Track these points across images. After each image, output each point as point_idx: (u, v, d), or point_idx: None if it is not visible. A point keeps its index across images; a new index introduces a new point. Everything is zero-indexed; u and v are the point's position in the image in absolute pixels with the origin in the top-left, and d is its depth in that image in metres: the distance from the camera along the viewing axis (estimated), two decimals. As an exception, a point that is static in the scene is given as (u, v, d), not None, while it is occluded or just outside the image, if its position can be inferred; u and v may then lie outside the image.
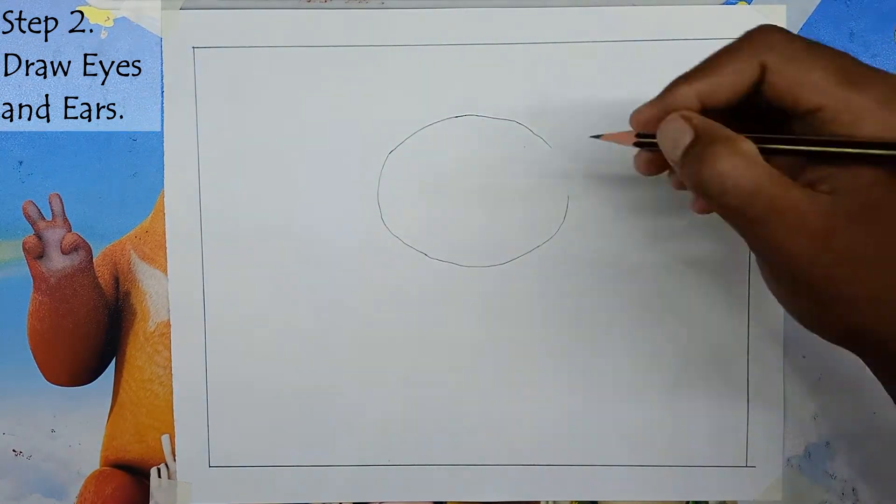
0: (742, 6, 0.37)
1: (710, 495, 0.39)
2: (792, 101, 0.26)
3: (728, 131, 0.26)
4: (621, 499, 0.39)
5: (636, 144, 0.29)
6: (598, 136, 0.32)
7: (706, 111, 0.27)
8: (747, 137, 0.26)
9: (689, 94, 0.27)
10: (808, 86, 0.25)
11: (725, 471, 0.38)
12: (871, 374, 0.38)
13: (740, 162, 0.25)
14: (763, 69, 0.26)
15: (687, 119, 0.26)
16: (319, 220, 0.38)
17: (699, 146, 0.26)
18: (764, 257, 0.26)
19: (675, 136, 0.27)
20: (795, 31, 0.37)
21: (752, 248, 0.26)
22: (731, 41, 0.27)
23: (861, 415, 0.38)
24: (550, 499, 0.39)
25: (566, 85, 0.37)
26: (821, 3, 0.37)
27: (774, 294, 0.27)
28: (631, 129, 0.29)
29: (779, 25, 0.27)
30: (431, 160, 0.38)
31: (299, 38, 0.38)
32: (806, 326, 0.27)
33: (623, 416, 0.38)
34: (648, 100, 0.28)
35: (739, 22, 0.37)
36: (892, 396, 0.28)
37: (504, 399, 0.38)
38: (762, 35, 0.26)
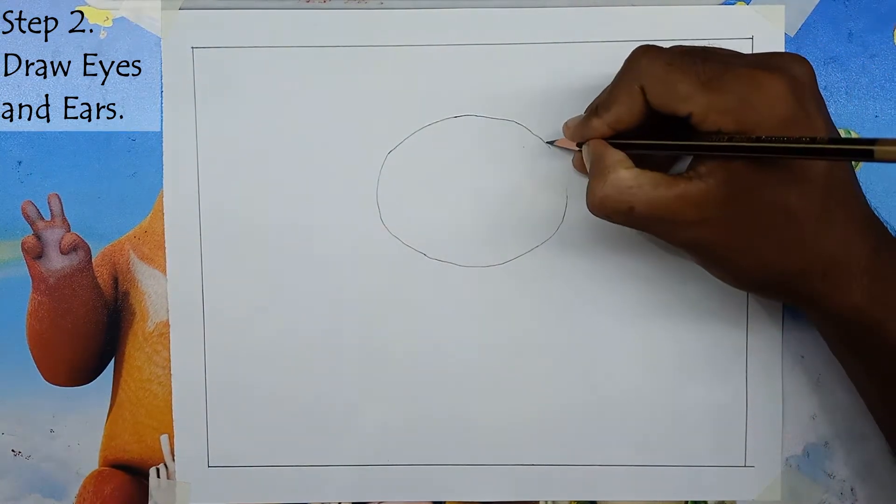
0: (741, 6, 0.37)
1: (709, 495, 0.39)
2: (671, 112, 0.30)
3: (609, 160, 0.31)
4: (621, 499, 0.39)
5: (579, 146, 0.34)
6: (552, 143, 0.37)
7: (624, 131, 0.32)
8: (631, 144, 0.32)
9: (600, 126, 0.32)
10: (676, 98, 0.30)
11: (724, 470, 0.38)
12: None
13: (611, 191, 0.30)
14: (643, 92, 0.30)
15: (587, 147, 0.33)
16: (318, 220, 0.38)
17: (590, 175, 0.32)
18: (669, 243, 0.32)
19: (586, 159, 0.33)
20: (794, 32, 0.38)
21: (665, 239, 0.32)
22: (619, 72, 0.32)
23: (860, 415, 0.38)
24: (550, 499, 0.39)
25: (566, 85, 0.37)
26: (819, 3, 0.37)
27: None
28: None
29: (647, 45, 0.31)
30: (431, 160, 0.38)
31: (298, 38, 0.38)
32: (728, 282, 0.33)
33: (623, 416, 0.38)
34: (578, 118, 0.34)
35: (738, 22, 0.37)
36: (822, 332, 0.34)
37: (503, 399, 0.38)
38: (635, 62, 0.31)
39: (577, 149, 0.35)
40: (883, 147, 0.25)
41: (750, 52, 0.33)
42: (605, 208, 0.31)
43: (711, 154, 0.29)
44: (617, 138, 0.32)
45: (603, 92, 0.33)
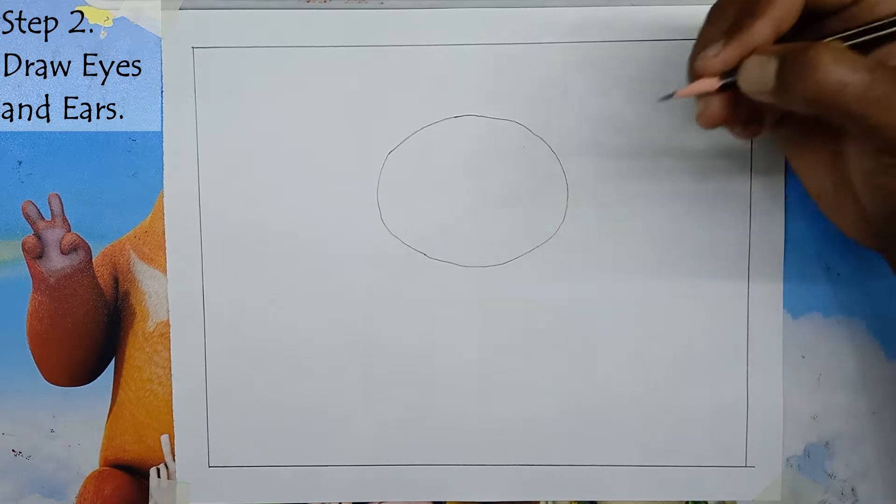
0: (741, 6, 0.37)
1: (709, 495, 0.39)
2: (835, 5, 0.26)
3: (808, 42, 0.26)
4: (621, 499, 0.39)
5: (723, 88, 0.29)
6: (668, 97, 0.31)
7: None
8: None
9: (764, 29, 0.27)
10: None
11: (725, 471, 0.38)
12: (870, 374, 0.38)
13: (846, 59, 0.25)
14: None
15: (763, 51, 0.27)
16: (319, 220, 0.38)
17: (794, 63, 0.26)
18: (873, 146, 0.27)
19: (760, 69, 0.27)
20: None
21: (859, 136, 0.27)
22: None
23: (860, 415, 0.38)
24: (550, 499, 0.39)
25: (566, 85, 0.37)
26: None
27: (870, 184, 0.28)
28: (689, 77, 0.30)
29: None
30: (431, 160, 0.38)
31: (299, 38, 0.38)
32: None
33: (622, 416, 0.38)
34: (711, 43, 0.28)
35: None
36: None
37: (503, 399, 0.38)
38: None
39: (716, 90, 0.29)
40: None
41: None
42: (840, 84, 0.25)
43: None
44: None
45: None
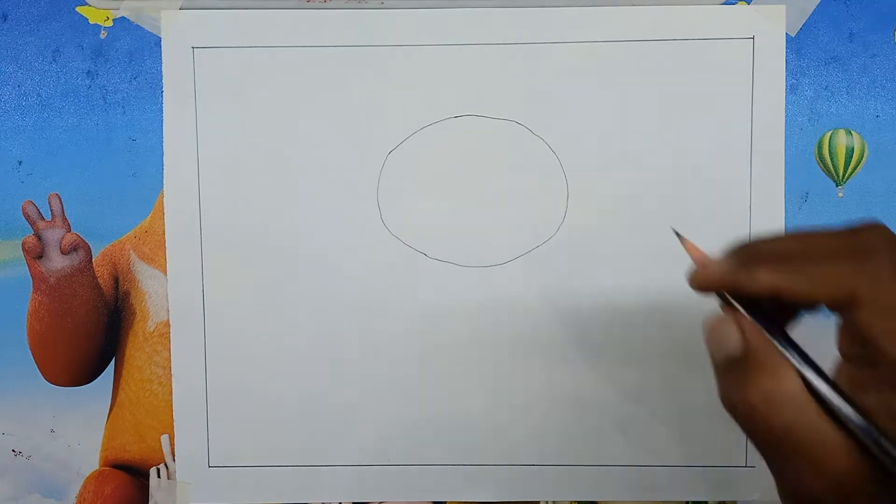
0: (741, 6, 0.37)
1: (709, 495, 0.39)
2: (873, 344, 0.22)
3: (776, 359, 0.23)
4: (621, 499, 0.39)
5: (720, 297, 0.25)
6: (678, 234, 0.28)
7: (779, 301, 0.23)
8: (795, 363, 0.23)
9: (766, 282, 0.23)
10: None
11: (725, 471, 0.38)
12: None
13: (775, 398, 0.22)
14: (853, 298, 0.22)
15: (740, 328, 0.24)
16: (319, 220, 0.38)
17: (742, 367, 0.23)
18: (784, 489, 0.23)
19: (722, 340, 0.24)
20: (795, 32, 0.37)
21: (773, 473, 0.23)
22: (838, 231, 0.23)
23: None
24: (550, 499, 0.39)
25: (566, 85, 0.37)
26: (820, 3, 0.37)
27: None
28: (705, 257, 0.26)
29: (890, 233, 0.23)
30: (431, 160, 0.38)
31: (298, 38, 0.38)
32: None
33: (622, 416, 0.38)
34: (723, 255, 0.25)
35: (739, 22, 0.37)
36: None
37: (503, 399, 0.38)
38: (868, 256, 0.22)
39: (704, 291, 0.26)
40: None
41: None
42: (758, 412, 0.22)
43: None
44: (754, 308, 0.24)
45: (794, 239, 0.24)
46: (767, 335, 0.23)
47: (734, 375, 0.23)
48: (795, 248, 0.23)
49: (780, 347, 0.23)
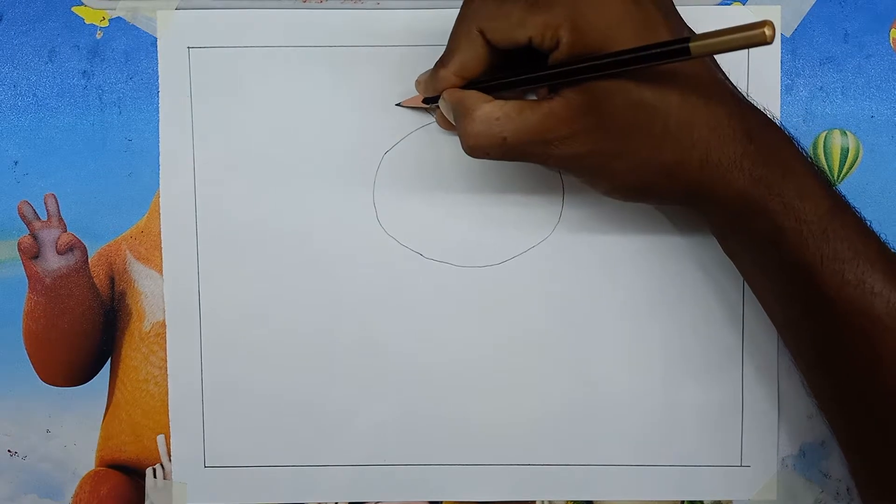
0: (737, 6, 0.37)
1: (705, 495, 0.39)
2: (513, 43, 0.30)
3: (470, 101, 0.31)
4: (618, 498, 0.39)
5: (425, 102, 0.35)
6: (399, 104, 0.37)
7: (473, 76, 0.32)
8: (488, 84, 0.32)
9: (448, 76, 0.32)
10: (512, 27, 0.30)
11: (720, 470, 0.38)
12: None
13: (480, 127, 0.31)
14: (482, 33, 0.31)
15: (445, 98, 0.33)
16: (315, 221, 0.38)
17: (457, 122, 0.32)
18: (552, 168, 0.33)
19: (446, 111, 0.33)
20: (790, 32, 0.38)
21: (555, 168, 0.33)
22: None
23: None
24: (548, 499, 0.39)
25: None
26: (815, 3, 0.37)
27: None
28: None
29: None
30: (427, 161, 0.38)
31: (295, 38, 0.38)
32: (614, 195, 0.33)
33: (619, 415, 0.38)
34: (428, 72, 0.34)
35: (734, 22, 0.37)
36: (713, 228, 0.34)
37: (500, 399, 0.38)
38: (468, 5, 0.31)
39: (425, 106, 0.36)
40: (697, 42, 0.26)
41: None
42: (480, 145, 0.31)
43: (552, 82, 0.30)
44: (468, 86, 0.33)
45: (447, 45, 0.33)
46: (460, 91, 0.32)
47: (458, 129, 0.32)
48: (448, 48, 0.33)
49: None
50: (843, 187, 0.38)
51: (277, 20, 0.38)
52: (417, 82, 0.35)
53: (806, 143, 0.38)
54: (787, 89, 0.38)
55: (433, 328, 0.38)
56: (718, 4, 0.37)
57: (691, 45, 0.27)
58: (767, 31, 0.25)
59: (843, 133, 0.38)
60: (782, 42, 0.37)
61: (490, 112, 0.31)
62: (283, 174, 0.38)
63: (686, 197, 0.32)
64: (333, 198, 0.38)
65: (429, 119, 0.38)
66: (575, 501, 0.39)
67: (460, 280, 0.38)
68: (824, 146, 0.38)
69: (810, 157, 0.31)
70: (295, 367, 0.38)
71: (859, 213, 0.31)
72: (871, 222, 0.31)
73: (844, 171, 0.38)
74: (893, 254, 0.31)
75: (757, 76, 0.37)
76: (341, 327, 0.38)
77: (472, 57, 0.32)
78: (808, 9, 0.38)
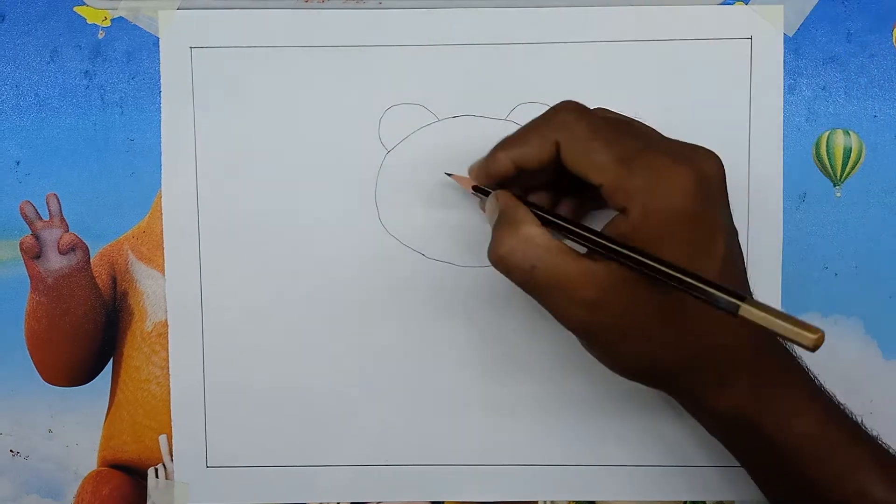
0: (739, 6, 0.37)
1: (707, 495, 0.39)
2: (582, 176, 0.30)
3: (520, 215, 0.30)
4: (619, 499, 0.39)
5: (474, 189, 0.34)
6: (450, 175, 0.37)
7: (524, 172, 0.31)
8: (543, 214, 0.31)
9: (504, 160, 0.31)
10: (591, 165, 0.29)
11: (723, 471, 0.38)
12: (867, 375, 0.38)
13: (518, 245, 0.29)
14: (557, 146, 0.30)
15: (496, 198, 0.32)
16: (317, 220, 0.38)
17: (497, 226, 0.31)
18: (559, 320, 0.30)
19: (490, 210, 0.32)
20: (793, 32, 0.37)
21: (548, 310, 0.30)
22: (536, 117, 0.31)
23: (858, 415, 0.38)
24: (549, 499, 0.39)
25: (566, 85, 0.37)
26: (818, 3, 0.37)
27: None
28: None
29: (576, 102, 0.31)
30: (429, 160, 0.38)
31: (296, 38, 0.38)
32: (610, 368, 0.32)
33: (621, 416, 0.38)
34: (483, 158, 0.32)
35: (737, 22, 0.37)
36: (702, 423, 0.34)
37: (501, 399, 0.38)
38: (557, 114, 0.31)
39: (471, 192, 0.34)
40: (748, 308, 0.26)
41: (672, 138, 0.31)
42: (508, 260, 0.30)
43: (606, 252, 0.29)
44: (515, 182, 0.32)
45: (516, 130, 0.32)
46: (514, 199, 0.31)
47: (495, 234, 0.30)
48: (516, 134, 0.31)
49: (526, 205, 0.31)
50: (846, 187, 0.38)
51: (279, 20, 0.38)
52: (471, 168, 0.34)
53: (808, 142, 0.38)
54: (789, 89, 0.38)
55: (434, 328, 0.38)
56: (721, 4, 0.37)
57: (741, 310, 0.26)
58: (817, 341, 0.25)
59: (846, 133, 0.38)
60: (785, 41, 0.37)
61: (534, 236, 0.29)
62: (284, 174, 0.38)
63: (679, 394, 0.33)
64: (335, 197, 0.38)
65: (431, 118, 0.38)
66: (576, 502, 0.39)
67: (462, 280, 0.38)
68: (827, 146, 0.38)
69: (807, 368, 0.32)
70: (296, 366, 0.38)
71: (854, 416, 0.32)
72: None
73: (847, 170, 0.38)
74: (892, 457, 0.31)
75: (760, 76, 0.37)
76: (343, 327, 0.38)
77: (536, 157, 0.31)
78: (811, 8, 0.37)
